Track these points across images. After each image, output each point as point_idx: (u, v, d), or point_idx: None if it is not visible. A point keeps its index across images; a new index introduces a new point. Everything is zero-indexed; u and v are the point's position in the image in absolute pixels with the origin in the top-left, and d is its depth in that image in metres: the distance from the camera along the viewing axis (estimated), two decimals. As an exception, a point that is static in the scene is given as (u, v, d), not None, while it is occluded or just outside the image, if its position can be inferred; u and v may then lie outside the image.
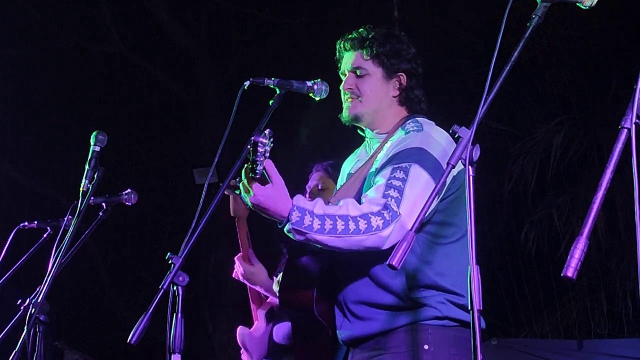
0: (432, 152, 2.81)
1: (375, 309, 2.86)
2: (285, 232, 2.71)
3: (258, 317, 4.07)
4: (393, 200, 2.69)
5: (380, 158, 2.91)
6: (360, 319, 2.88)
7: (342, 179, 3.19)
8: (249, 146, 2.56)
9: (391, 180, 2.74)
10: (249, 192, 2.68)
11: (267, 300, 4.10)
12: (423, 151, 2.80)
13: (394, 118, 3.03)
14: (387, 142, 2.97)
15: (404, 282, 2.81)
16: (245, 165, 2.62)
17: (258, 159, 2.57)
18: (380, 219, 2.65)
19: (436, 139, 2.87)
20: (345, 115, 3.05)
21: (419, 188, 2.72)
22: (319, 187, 4.04)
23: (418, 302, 2.82)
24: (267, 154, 2.57)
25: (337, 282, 2.94)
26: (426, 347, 2.78)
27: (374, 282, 2.85)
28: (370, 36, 3.05)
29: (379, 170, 2.84)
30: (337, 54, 3.13)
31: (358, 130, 3.13)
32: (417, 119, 2.99)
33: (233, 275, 4.00)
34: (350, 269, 2.90)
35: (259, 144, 2.53)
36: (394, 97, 3.03)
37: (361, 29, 3.09)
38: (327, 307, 2.97)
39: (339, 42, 3.12)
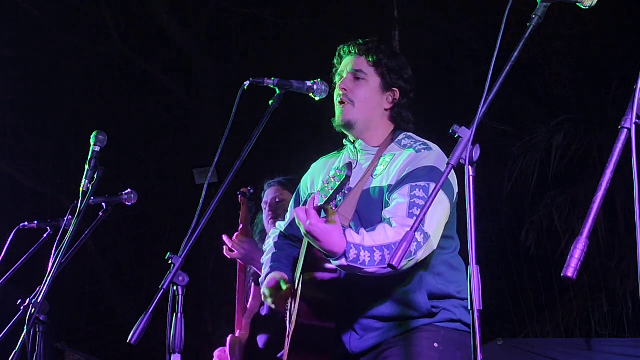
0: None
1: (388, 322, 2.90)
2: (335, 264, 2.74)
3: (243, 327, 4.10)
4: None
5: (384, 174, 2.93)
6: (373, 330, 2.92)
7: (313, 186, 3.18)
8: (337, 178, 2.61)
9: (413, 199, 2.79)
10: (312, 220, 2.68)
11: (250, 308, 4.14)
12: (438, 171, 2.86)
13: (384, 131, 3.06)
14: (383, 156, 2.99)
15: (419, 295, 2.87)
16: (328, 197, 2.65)
17: (345, 191, 2.59)
18: (415, 243, 2.69)
19: (444, 158, 2.92)
20: (337, 120, 3.06)
21: (440, 207, 2.79)
22: (277, 200, 4.18)
23: (432, 312, 2.89)
24: None
25: (350, 300, 2.96)
26: (436, 345, 2.85)
27: (388, 298, 2.90)
28: (378, 46, 3.10)
29: (394, 188, 2.87)
30: (337, 57, 3.14)
31: (344, 141, 3.14)
32: (411, 135, 3.05)
33: (225, 253, 4.02)
34: (364, 287, 2.91)
35: (349, 180, 2.59)
36: (385, 109, 3.07)
37: (368, 39, 3.13)
38: (336, 323, 2.98)
39: (342, 46, 3.13)
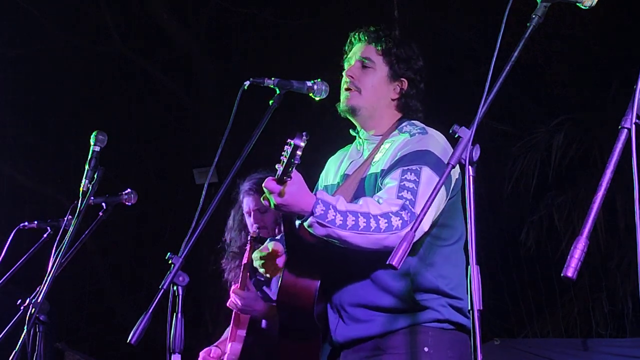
0: (440, 155, 2.83)
1: (374, 311, 2.85)
2: (306, 226, 2.68)
3: (236, 338, 4.04)
4: (408, 202, 2.70)
5: (380, 160, 2.92)
6: (358, 321, 2.87)
7: (326, 179, 3.17)
8: (288, 148, 2.52)
9: (403, 182, 2.75)
10: (281, 194, 2.62)
11: (242, 322, 4.06)
12: (431, 154, 2.83)
13: (389, 120, 3.04)
14: (383, 144, 2.98)
15: (406, 284, 2.81)
16: (280, 167, 2.58)
17: (295, 161, 2.55)
18: (399, 220, 2.66)
19: (440, 142, 2.90)
20: (342, 105, 3.05)
21: (431, 188, 2.73)
22: (261, 212, 4.02)
23: (419, 305, 2.82)
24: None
25: (334, 285, 2.92)
26: (426, 349, 2.79)
27: (374, 285, 2.84)
28: (388, 34, 3.08)
29: (386, 172, 2.84)
30: (348, 43, 3.13)
31: (350, 130, 3.13)
32: (414, 122, 3.01)
33: (228, 305, 3.93)
34: (350, 271, 2.88)
35: (298, 148, 2.51)
36: (392, 99, 3.04)
37: (380, 26, 3.11)
38: (323, 309, 2.95)
39: (354, 32, 3.12)
